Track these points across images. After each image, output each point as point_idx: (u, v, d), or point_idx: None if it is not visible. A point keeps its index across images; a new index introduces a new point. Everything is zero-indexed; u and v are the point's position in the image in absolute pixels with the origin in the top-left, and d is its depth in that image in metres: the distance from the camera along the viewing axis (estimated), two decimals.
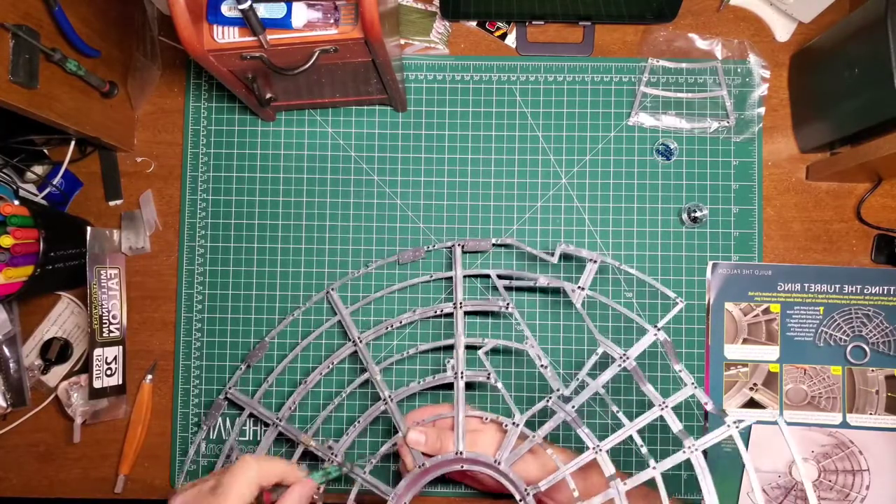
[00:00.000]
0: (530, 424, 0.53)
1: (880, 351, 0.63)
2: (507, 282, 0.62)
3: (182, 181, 0.67)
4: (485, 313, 0.65)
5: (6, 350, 0.64)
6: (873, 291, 0.64)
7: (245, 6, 0.44)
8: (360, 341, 0.61)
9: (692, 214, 0.65)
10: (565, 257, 0.65)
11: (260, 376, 0.65)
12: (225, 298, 0.66)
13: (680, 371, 0.53)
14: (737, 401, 0.64)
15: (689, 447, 0.49)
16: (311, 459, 0.61)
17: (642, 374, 0.53)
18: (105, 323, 0.64)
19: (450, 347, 0.60)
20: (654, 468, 0.49)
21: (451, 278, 0.64)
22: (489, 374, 0.56)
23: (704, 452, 0.63)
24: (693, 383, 0.52)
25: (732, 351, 0.64)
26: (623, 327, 0.64)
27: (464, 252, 0.64)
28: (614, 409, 0.53)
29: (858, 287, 0.64)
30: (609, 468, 0.50)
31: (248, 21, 0.46)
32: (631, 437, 0.51)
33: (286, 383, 0.65)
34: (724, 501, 0.63)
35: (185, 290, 0.66)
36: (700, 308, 0.65)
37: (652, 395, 0.53)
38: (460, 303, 0.60)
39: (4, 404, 0.64)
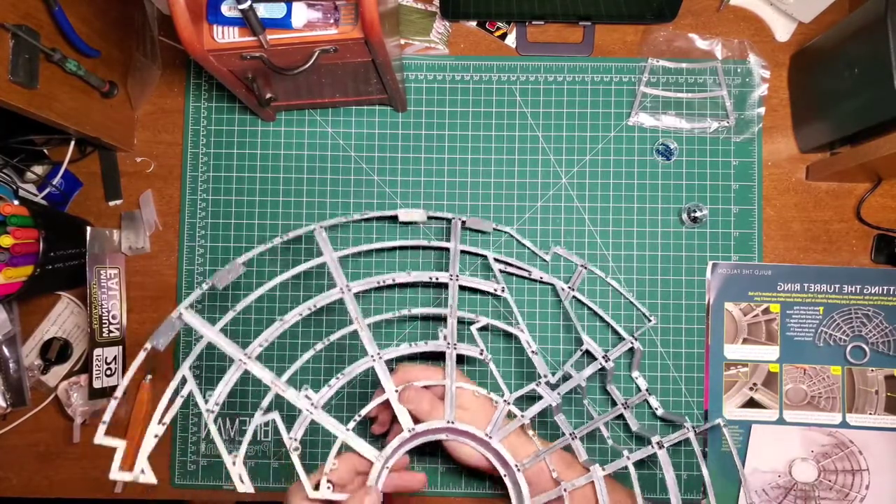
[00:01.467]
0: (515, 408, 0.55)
1: (880, 351, 0.63)
2: (502, 266, 0.63)
3: (182, 181, 0.67)
4: (477, 295, 0.65)
5: (6, 350, 0.64)
6: (873, 291, 0.64)
7: (245, 6, 0.44)
8: (349, 289, 0.56)
9: (692, 214, 0.65)
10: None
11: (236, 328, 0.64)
12: (225, 299, 0.66)
13: (636, 378, 0.63)
14: (737, 401, 0.64)
15: (656, 442, 0.56)
16: (283, 411, 0.54)
17: (611, 377, 0.62)
18: (105, 323, 0.64)
19: (441, 319, 0.59)
20: (627, 458, 0.55)
21: (446, 252, 0.64)
22: (481, 350, 0.56)
23: (705, 453, 0.64)
24: (647, 389, 0.62)
25: (732, 351, 0.64)
26: (609, 326, 0.65)
27: (464, 228, 0.64)
28: (586, 402, 0.61)
29: (858, 287, 0.64)
30: (582, 454, 0.56)
31: (248, 21, 0.46)
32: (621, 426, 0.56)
33: (264, 324, 0.64)
34: (724, 501, 0.63)
35: (185, 290, 0.66)
36: (700, 308, 0.65)
37: (615, 395, 0.62)
38: (455, 276, 0.59)
39: (4, 404, 0.64)
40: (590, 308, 0.64)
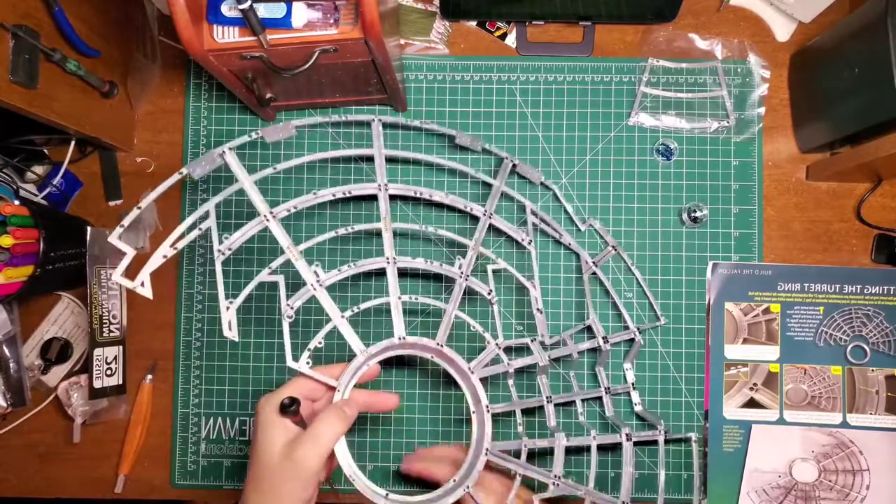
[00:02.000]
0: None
1: (880, 351, 0.63)
2: (536, 220, 0.63)
3: (182, 181, 0.67)
4: (502, 243, 0.65)
5: (6, 350, 0.64)
6: (873, 291, 0.64)
7: (245, 6, 0.44)
8: (386, 188, 0.55)
9: (692, 214, 0.65)
10: (589, 237, 0.66)
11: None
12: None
13: (627, 369, 0.64)
14: (737, 401, 0.64)
15: (626, 433, 0.58)
16: (295, 280, 0.53)
17: (604, 360, 0.63)
18: (105, 323, 0.64)
19: (461, 253, 0.59)
20: (593, 437, 0.57)
21: (484, 193, 0.64)
22: (490, 290, 0.56)
23: (705, 453, 0.64)
24: (633, 383, 0.63)
25: (732, 351, 0.64)
26: (616, 314, 0.65)
27: (512, 170, 0.64)
28: (572, 373, 0.63)
29: (858, 287, 0.64)
30: (552, 419, 0.57)
31: (248, 21, 0.46)
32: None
33: (293, 193, 0.64)
34: (724, 501, 0.63)
35: (185, 290, 0.66)
36: (700, 308, 0.65)
37: (601, 377, 0.63)
38: (490, 212, 0.58)
39: (4, 404, 0.64)
40: (605, 290, 0.65)
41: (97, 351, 0.63)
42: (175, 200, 0.67)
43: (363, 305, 0.53)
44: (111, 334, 0.64)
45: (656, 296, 0.65)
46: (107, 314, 0.64)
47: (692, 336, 0.65)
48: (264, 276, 0.51)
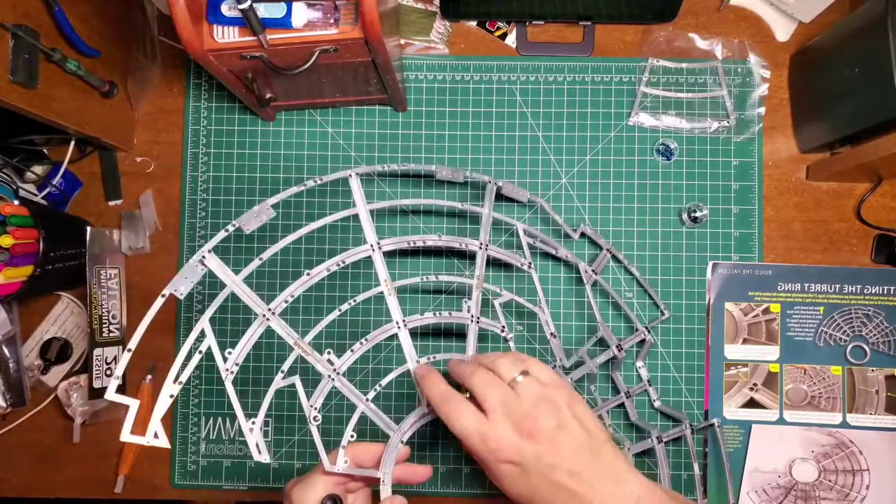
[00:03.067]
0: None
1: (880, 351, 0.63)
2: (531, 240, 0.61)
3: (182, 181, 0.67)
4: (501, 268, 0.65)
5: (6, 350, 0.64)
6: (873, 291, 0.64)
7: (245, 6, 0.44)
8: (379, 247, 0.52)
9: (692, 214, 0.65)
10: (586, 240, 0.66)
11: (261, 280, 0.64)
12: (224, 299, 0.66)
13: (640, 367, 0.64)
14: (737, 401, 0.64)
15: (656, 437, 0.58)
16: (306, 375, 0.51)
17: (619, 365, 0.63)
18: (105, 323, 0.64)
19: (462, 293, 0.58)
20: (628, 448, 0.58)
21: (471, 227, 0.63)
22: (503, 326, 0.55)
23: (705, 453, 0.64)
24: (648, 380, 0.63)
25: (732, 351, 0.64)
26: (623, 315, 0.65)
27: (498, 193, 0.60)
28: (594, 388, 0.63)
29: (858, 287, 0.64)
30: None
31: (248, 21, 0.46)
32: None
33: (290, 277, 0.63)
34: (724, 501, 0.63)
35: None
36: (700, 308, 0.65)
37: (619, 382, 0.63)
38: (485, 244, 0.56)
39: (4, 404, 0.64)
40: (607, 294, 0.64)
41: (97, 351, 0.63)
42: (175, 201, 0.67)
43: (384, 381, 0.50)
44: (111, 334, 0.64)
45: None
46: (107, 314, 0.64)
47: (692, 336, 0.65)
48: (279, 382, 0.48)
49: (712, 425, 0.62)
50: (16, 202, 0.59)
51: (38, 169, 0.66)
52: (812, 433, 0.63)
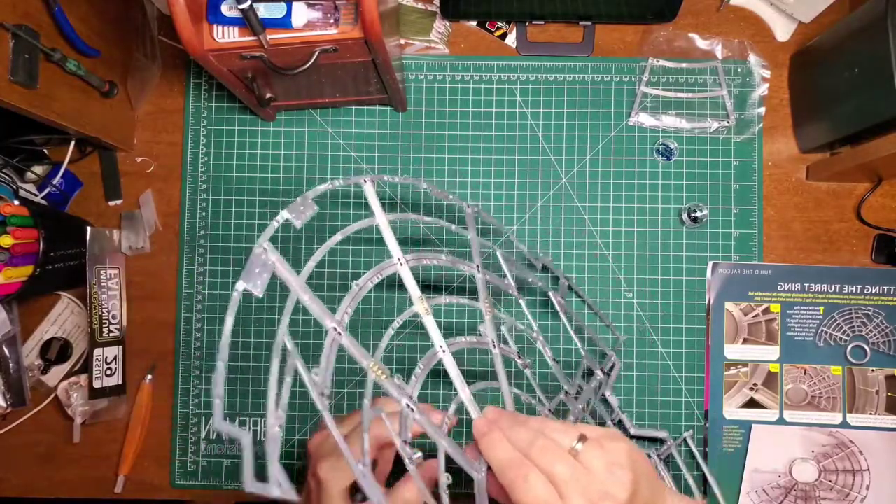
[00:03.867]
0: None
1: (880, 351, 0.63)
2: (509, 266, 0.59)
3: (182, 181, 0.67)
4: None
5: (6, 350, 0.64)
6: (873, 291, 0.64)
7: (245, 6, 0.44)
8: (403, 262, 0.45)
9: (692, 214, 0.65)
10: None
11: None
12: (225, 298, 0.66)
13: (609, 396, 0.64)
14: (737, 401, 0.64)
15: (656, 455, 0.59)
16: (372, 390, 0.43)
17: (610, 387, 0.63)
18: (105, 323, 0.64)
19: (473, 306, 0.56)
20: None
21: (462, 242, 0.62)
22: (519, 355, 0.53)
23: (705, 454, 0.64)
24: (618, 407, 0.64)
25: (732, 351, 0.64)
26: (587, 339, 0.64)
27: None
28: (587, 414, 0.60)
29: (858, 287, 0.64)
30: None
31: (248, 21, 0.46)
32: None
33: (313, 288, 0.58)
34: (724, 501, 0.63)
35: (185, 290, 0.66)
36: (700, 308, 0.65)
37: (613, 403, 0.64)
38: (480, 268, 0.51)
39: (4, 404, 0.64)
40: (594, 302, 0.65)
41: (97, 351, 0.63)
42: (175, 201, 0.67)
43: (451, 412, 0.43)
44: (111, 334, 0.64)
45: (656, 296, 0.65)
46: (107, 314, 0.64)
47: (692, 336, 0.65)
48: (368, 413, 0.39)
49: (685, 439, 0.63)
50: (16, 202, 0.59)
51: (39, 169, 0.66)
52: (812, 433, 0.63)
